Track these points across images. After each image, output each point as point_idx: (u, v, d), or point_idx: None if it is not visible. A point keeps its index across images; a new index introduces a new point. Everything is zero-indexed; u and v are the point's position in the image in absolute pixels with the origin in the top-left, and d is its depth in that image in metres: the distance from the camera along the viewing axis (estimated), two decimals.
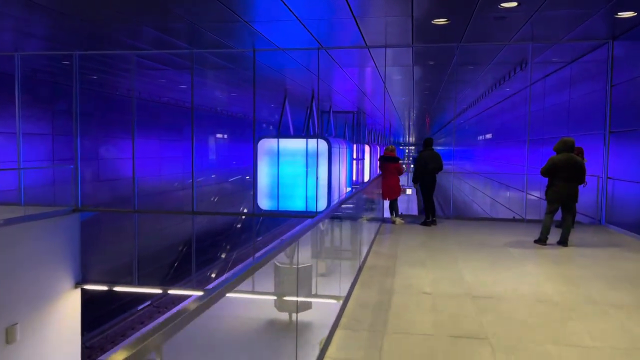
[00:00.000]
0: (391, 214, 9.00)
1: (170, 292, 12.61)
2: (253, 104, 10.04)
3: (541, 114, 12.73)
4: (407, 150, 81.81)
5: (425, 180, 8.81)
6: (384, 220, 9.20)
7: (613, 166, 8.73)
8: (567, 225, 7.19)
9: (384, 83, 13.95)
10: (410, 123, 35.47)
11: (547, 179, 7.25)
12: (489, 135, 20.79)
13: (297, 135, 16.15)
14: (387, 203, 9.22)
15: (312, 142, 15.60)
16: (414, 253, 6.51)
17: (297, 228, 3.18)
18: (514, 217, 10.35)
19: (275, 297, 3.58)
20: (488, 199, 19.26)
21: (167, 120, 18.00)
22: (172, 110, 18.22)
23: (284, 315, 3.21)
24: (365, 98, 20.19)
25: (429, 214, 8.90)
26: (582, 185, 8.07)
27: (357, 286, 4.95)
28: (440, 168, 8.82)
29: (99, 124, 14.40)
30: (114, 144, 15.13)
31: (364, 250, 6.46)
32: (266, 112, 23.08)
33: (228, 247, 19.19)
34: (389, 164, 8.79)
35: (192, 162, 10.27)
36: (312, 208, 15.60)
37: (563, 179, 7.03)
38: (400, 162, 8.92)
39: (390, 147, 8.95)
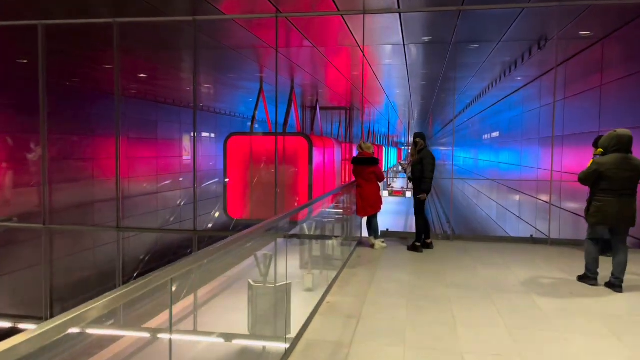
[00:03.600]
0: (369, 235, 6.71)
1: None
2: (193, 89, 7.79)
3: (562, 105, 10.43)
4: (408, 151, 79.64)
5: (425, 189, 6.57)
6: (360, 243, 6.93)
7: None
8: (619, 261, 4.89)
9: (371, 68, 11.68)
10: (412, 121, 33.13)
11: (588, 187, 5.00)
12: (495, 134, 18.47)
13: (272, 132, 13.90)
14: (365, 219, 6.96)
15: (293, 141, 13.42)
16: (389, 309, 4.21)
17: None
18: (531, 236, 8.05)
19: None
20: (507, 212, 16.92)
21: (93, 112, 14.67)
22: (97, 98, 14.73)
23: None
24: (358, 92, 17.94)
25: (421, 235, 6.65)
26: None
27: None
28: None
29: None
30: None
31: (312, 301, 4.21)
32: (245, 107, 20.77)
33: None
34: (364, 167, 6.49)
35: (116, 164, 7.97)
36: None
37: (612, 192, 4.79)
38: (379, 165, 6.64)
39: (365, 144, 6.66)
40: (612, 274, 4.93)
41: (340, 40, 8.95)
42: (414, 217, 6.69)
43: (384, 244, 6.68)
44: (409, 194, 31.76)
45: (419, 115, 32.76)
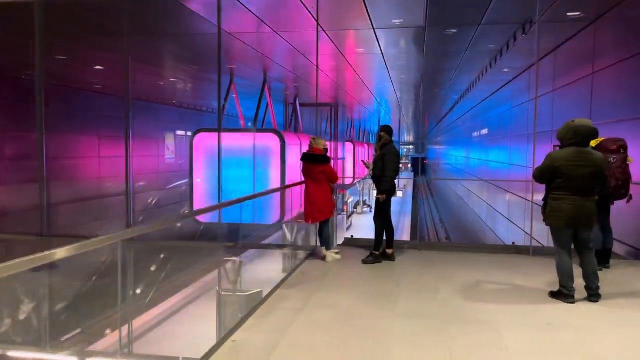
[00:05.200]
0: (321, 244, 5.74)
1: None
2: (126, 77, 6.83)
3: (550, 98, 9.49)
4: (405, 150, 78.63)
5: (393, 187, 5.67)
6: (312, 253, 5.97)
7: None
8: (587, 270, 4.24)
9: (344, 57, 10.74)
10: (407, 119, 32.17)
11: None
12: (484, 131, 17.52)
13: (242, 128, 12.93)
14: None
15: (264, 138, 12.48)
16: (307, 353, 3.24)
17: None
18: (513, 244, 7.10)
19: None
20: (497, 214, 16.04)
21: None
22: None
23: None
24: (340, 88, 17.00)
25: (380, 244, 5.73)
26: (626, 200, 4.95)
27: None
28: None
29: None
30: None
31: (212, 339, 3.25)
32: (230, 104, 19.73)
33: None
34: (313, 166, 5.53)
35: (43, 161, 6.97)
36: (262, 220, 12.46)
37: (568, 190, 4.11)
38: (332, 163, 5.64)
39: (317, 139, 5.70)
40: (586, 287, 4.26)
41: (298, 24, 7.99)
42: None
43: (338, 256, 5.73)
44: (399, 194, 30.84)
45: (413, 114, 31.85)
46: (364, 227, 23.47)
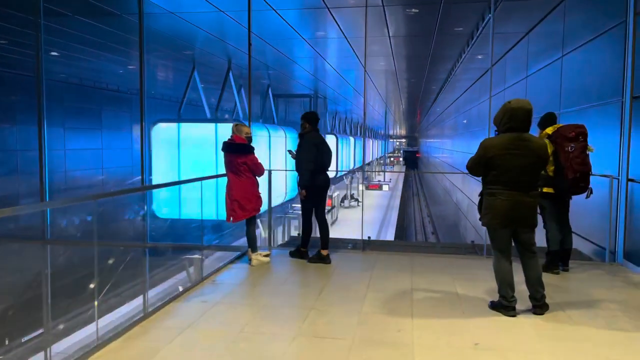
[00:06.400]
0: (249, 245, 5.09)
1: None
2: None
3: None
4: (397, 144, 77.95)
5: (318, 181, 5.04)
6: (240, 256, 5.33)
7: (639, 159, 4.89)
8: (530, 277, 3.64)
9: (307, 42, 10.06)
10: (389, 106, 31.52)
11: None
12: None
13: (203, 119, 12.21)
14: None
15: (227, 129, 11.80)
16: None
17: None
18: (472, 242, 6.48)
19: None
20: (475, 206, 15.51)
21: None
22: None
23: None
24: (319, 79, 16.29)
25: (307, 241, 5.17)
26: (585, 195, 4.36)
27: None
28: (331, 161, 5.12)
29: None
30: None
31: None
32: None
33: None
34: (234, 156, 4.86)
35: None
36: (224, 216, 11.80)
37: (504, 184, 3.48)
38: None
39: (239, 125, 5.02)
40: (530, 297, 3.65)
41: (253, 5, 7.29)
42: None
43: (266, 259, 5.09)
44: (385, 187, 30.22)
45: (405, 107, 31.19)
46: (352, 222, 22.87)
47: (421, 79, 16.62)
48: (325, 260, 5.02)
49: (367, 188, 29.57)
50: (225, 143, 4.93)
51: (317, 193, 5.05)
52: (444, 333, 3.29)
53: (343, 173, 26.93)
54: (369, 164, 38.95)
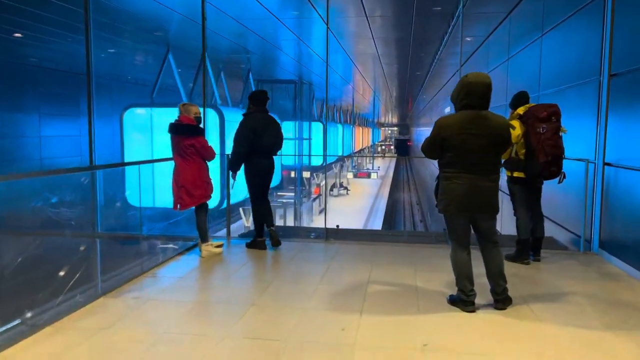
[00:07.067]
0: (199, 235, 4.73)
1: None
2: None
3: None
4: (389, 132, 77.47)
5: (257, 166, 4.69)
6: (192, 247, 4.97)
7: (616, 141, 4.56)
8: (490, 270, 3.32)
9: (283, 23, 9.61)
10: (378, 94, 31.09)
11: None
12: None
13: (176, 103, 11.74)
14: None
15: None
16: None
17: None
18: (444, 230, 6.15)
19: None
20: None
21: None
22: None
23: None
24: (303, 64, 15.82)
25: (260, 230, 4.84)
26: (558, 179, 4.05)
27: None
28: (280, 144, 4.75)
29: None
30: None
31: None
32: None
33: None
34: (181, 138, 4.48)
35: None
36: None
37: (460, 167, 3.14)
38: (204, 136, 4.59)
39: (187, 106, 4.62)
40: (491, 290, 3.33)
41: None
42: None
43: (218, 250, 4.73)
44: (373, 175, 29.89)
45: (397, 96, 30.71)
46: (341, 211, 22.57)
47: (406, 65, 16.21)
48: (276, 241, 4.78)
49: (356, 176, 29.24)
50: (171, 124, 4.54)
51: (259, 179, 4.76)
52: (393, 332, 2.96)
53: (332, 161, 26.60)
54: (359, 151, 38.58)
